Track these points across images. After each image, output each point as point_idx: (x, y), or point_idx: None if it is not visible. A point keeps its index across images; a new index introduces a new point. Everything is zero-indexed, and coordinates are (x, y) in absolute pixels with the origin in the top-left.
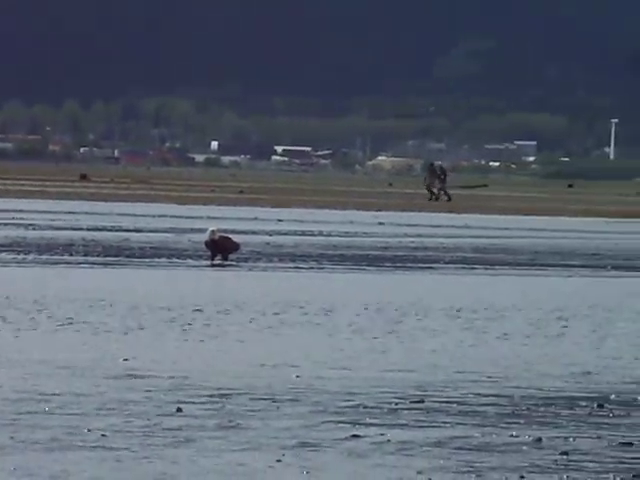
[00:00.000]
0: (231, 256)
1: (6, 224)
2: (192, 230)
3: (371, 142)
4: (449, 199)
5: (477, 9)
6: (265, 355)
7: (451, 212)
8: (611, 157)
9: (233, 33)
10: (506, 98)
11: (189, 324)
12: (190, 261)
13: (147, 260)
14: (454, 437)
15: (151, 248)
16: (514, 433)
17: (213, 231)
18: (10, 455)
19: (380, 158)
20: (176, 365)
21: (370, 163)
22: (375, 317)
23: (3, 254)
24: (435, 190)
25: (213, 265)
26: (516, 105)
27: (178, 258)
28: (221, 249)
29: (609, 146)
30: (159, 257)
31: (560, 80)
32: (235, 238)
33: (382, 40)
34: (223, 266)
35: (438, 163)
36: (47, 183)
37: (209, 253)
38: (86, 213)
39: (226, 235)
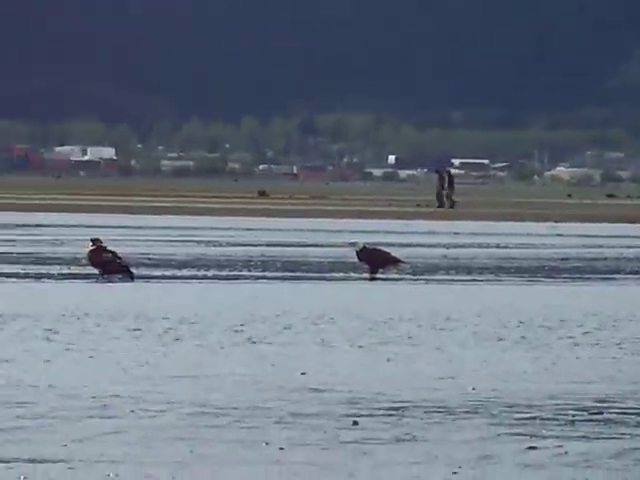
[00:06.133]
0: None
1: (187, 241)
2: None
3: (549, 153)
4: (452, 206)
5: None
6: (440, 368)
7: (634, 222)
8: None
9: (408, 46)
10: None
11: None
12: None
13: (325, 274)
14: (635, 449)
15: (329, 263)
16: None
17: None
18: (190, 469)
19: (559, 169)
20: (351, 379)
21: (548, 174)
22: (544, 332)
23: (185, 271)
24: (444, 198)
25: (373, 279)
26: None
27: (354, 272)
28: (370, 262)
29: None
30: (336, 271)
31: None
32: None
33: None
34: (385, 279)
35: (447, 169)
36: (226, 200)
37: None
38: (264, 229)
39: (377, 248)
